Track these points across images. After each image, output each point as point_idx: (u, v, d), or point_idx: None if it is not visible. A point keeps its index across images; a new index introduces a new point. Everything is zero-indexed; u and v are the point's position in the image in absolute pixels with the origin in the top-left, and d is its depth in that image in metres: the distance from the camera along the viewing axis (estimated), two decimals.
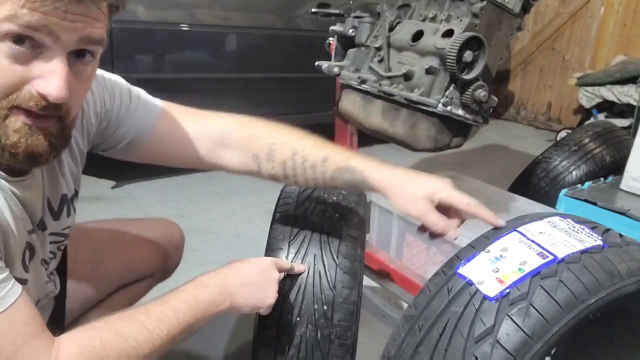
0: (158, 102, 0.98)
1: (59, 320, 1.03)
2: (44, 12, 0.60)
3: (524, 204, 1.67)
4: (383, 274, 1.61)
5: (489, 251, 0.81)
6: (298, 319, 0.93)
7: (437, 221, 0.86)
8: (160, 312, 0.75)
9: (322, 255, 0.96)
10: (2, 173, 0.71)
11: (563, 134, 3.81)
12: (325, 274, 0.94)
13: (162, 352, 0.75)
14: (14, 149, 0.66)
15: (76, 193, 0.94)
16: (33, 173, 0.79)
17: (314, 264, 0.95)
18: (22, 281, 0.78)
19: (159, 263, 1.28)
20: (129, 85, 0.97)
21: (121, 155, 0.98)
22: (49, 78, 0.63)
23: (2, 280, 0.66)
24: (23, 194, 0.76)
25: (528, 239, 0.81)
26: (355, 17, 1.54)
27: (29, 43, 0.62)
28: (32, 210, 0.80)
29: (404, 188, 0.89)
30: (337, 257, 0.95)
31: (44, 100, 0.64)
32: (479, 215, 0.87)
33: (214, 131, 0.98)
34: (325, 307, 0.92)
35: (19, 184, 0.75)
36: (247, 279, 0.88)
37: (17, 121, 0.65)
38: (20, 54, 0.62)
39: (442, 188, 0.88)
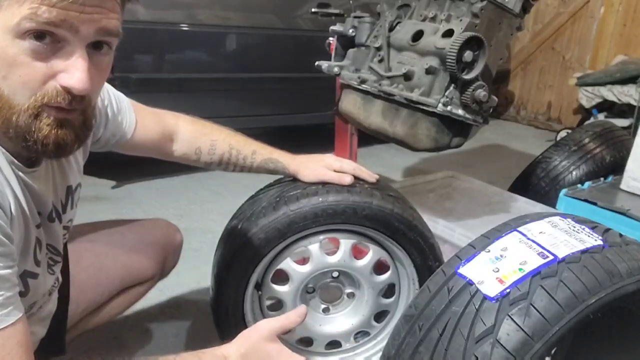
0: (130, 105, 1.10)
1: (60, 325, 1.03)
2: (63, 7, 0.62)
3: (524, 204, 1.67)
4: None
5: (489, 251, 0.81)
6: None
7: (333, 177, 1.19)
8: None
9: None
10: (19, 164, 0.74)
11: (563, 134, 3.81)
12: None
13: None
14: (45, 141, 0.68)
15: (79, 185, 0.98)
16: (45, 164, 0.82)
17: None
18: (33, 275, 0.80)
19: (159, 266, 1.28)
20: (122, 95, 1.10)
21: (104, 149, 1.11)
22: (72, 71, 0.66)
23: (11, 297, 0.66)
24: (35, 186, 0.78)
25: (528, 238, 0.81)
26: (355, 17, 1.54)
27: (49, 39, 0.64)
28: (42, 201, 0.82)
29: (308, 167, 1.22)
30: None
31: (69, 94, 0.67)
32: (359, 175, 1.23)
33: (168, 129, 1.17)
34: None
35: (32, 175, 0.77)
36: None
37: (48, 117, 0.68)
38: (41, 49, 0.64)
39: (333, 160, 1.24)
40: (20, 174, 0.74)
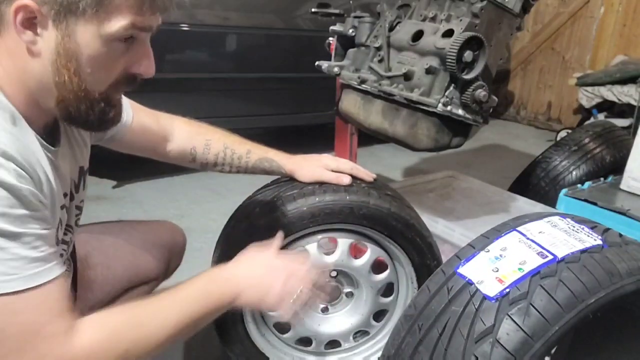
0: (127, 103, 1.11)
1: None
2: (150, 15, 0.73)
3: (524, 204, 1.67)
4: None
5: (488, 251, 0.81)
6: None
7: (331, 177, 1.18)
8: (173, 301, 0.80)
9: None
10: (47, 145, 0.79)
11: (563, 134, 3.81)
12: None
13: (172, 341, 0.79)
14: (115, 119, 0.82)
15: (87, 169, 1.01)
16: (63, 143, 0.86)
17: None
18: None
19: (164, 267, 1.29)
20: None
21: (99, 142, 1.12)
22: (144, 61, 0.78)
23: (53, 253, 0.71)
24: (59, 164, 0.83)
25: (528, 238, 0.81)
26: (355, 17, 1.54)
27: (131, 39, 0.74)
28: (65, 180, 0.86)
29: (305, 167, 1.21)
30: None
31: (135, 79, 0.79)
32: (356, 174, 1.21)
33: (163, 129, 1.18)
34: None
35: (56, 153, 0.82)
36: (258, 277, 0.91)
37: (113, 98, 0.80)
38: (125, 48, 0.74)
39: (330, 160, 1.23)
40: (49, 154, 0.79)
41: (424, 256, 1.22)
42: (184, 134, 1.19)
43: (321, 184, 1.18)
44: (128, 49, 0.75)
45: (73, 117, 0.78)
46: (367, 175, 1.24)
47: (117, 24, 0.70)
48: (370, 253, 1.23)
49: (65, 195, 0.86)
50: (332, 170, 1.20)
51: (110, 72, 0.76)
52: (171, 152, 1.19)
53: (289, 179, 1.24)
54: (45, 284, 0.69)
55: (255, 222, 1.15)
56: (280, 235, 1.00)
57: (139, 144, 1.14)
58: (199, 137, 1.20)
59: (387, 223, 1.18)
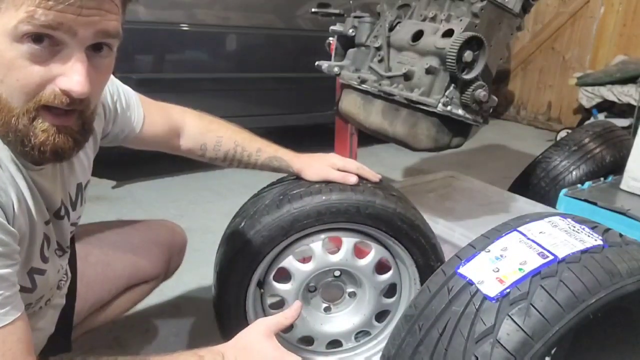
0: (138, 100, 1.11)
1: (67, 321, 1.05)
2: (59, 10, 0.61)
3: (524, 204, 1.67)
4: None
5: (489, 251, 0.81)
6: None
7: (338, 176, 1.19)
8: None
9: None
10: (26, 162, 0.74)
11: (563, 134, 3.81)
12: None
13: None
14: (42, 147, 0.69)
15: (88, 182, 0.99)
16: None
17: None
18: (40, 271, 0.81)
19: (164, 265, 1.30)
20: (130, 90, 1.09)
21: (112, 144, 1.11)
22: (71, 75, 0.65)
23: (9, 296, 0.66)
24: (42, 183, 0.79)
25: (528, 238, 0.81)
26: (355, 17, 1.54)
27: (47, 41, 0.63)
28: (50, 199, 0.82)
29: (312, 166, 1.22)
30: None
31: (67, 97, 0.66)
32: (363, 174, 1.22)
33: (174, 124, 1.18)
34: None
35: (39, 172, 0.78)
36: None
37: (44, 122, 0.68)
38: (40, 52, 0.63)
39: (337, 159, 1.23)
40: (27, 171, 0.75)
41: (427, 257, 1.23)
42: (196, 129, 1.20)
43: (328, 182, 1.18)
44: (51, 57, 0.64)
45: (9, 140, 0.69)
46: (373, 175, 1.25)
47: (16, 17, 0.60)
48: (375, 253, 1.23)
49: (48, 209, 0.83)
50: (339, 170, 1.21)
51: (25, 81, 0.64)
52: (181, 146, 1.20)
53: (296, 177, 1.24)
54: (2, 328, 0.64)
55: (261, 219, 1.16)
56: (287, 315, 0.92)
57: (150, 141, 1.15)
58: (211, 134, 1.20)
59: (393, 223, 1.18)
